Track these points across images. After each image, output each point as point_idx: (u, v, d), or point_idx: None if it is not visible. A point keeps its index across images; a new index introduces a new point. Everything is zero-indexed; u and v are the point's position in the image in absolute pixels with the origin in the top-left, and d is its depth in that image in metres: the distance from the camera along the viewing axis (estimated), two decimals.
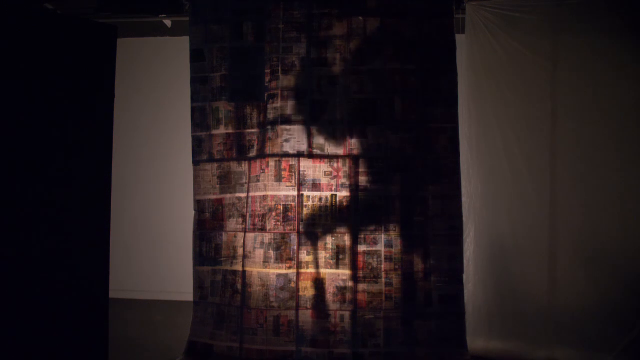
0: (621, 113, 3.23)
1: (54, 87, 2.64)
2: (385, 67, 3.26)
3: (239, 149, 3.36)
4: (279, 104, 3.29)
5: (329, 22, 3.29)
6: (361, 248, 3.21)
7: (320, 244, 3.22)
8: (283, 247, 3.23)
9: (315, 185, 3.25)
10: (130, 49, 4.19)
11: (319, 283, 3.20)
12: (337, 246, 3.21)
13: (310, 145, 3.27)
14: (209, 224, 3.39)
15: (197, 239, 3.41)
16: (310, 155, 3.26)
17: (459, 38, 3.33)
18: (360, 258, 3.20)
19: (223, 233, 3.36)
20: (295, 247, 3.23)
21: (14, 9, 2.51)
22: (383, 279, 3.18)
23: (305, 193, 3.25)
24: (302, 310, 3.19)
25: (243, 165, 3.35)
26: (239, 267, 3.29)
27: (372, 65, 3.27)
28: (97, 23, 2.92)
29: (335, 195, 3.24)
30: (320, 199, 3.24)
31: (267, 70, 3.32)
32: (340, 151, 3.25)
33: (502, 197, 3.36)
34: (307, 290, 3.20)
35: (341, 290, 3.19)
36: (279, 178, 3.26)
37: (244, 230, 3.30)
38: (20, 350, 2.49)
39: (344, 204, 3.23)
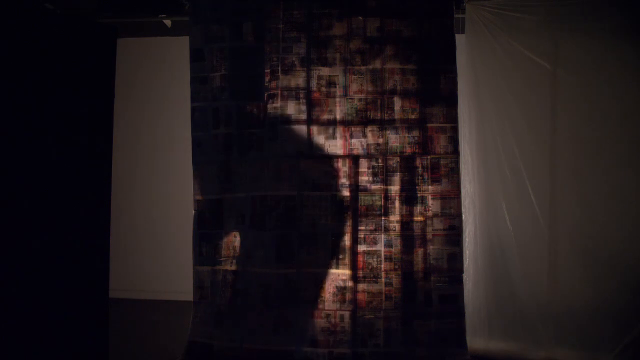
0: (621, 113, 3.23)
1: (53, 86, 2.64)
2: (385, 67, 3.26)
3: (239, 149, 3.36)
4: (279, 104, 3.29)
5: (329, 22, 3.29)
6: (361, 248, 3.21)
7: (320, 244, 3.22)
8: (283, 247, 3.23)
9: (315, 186, 3.25)
10: (130, 49, 4.18)
11: (319, 283, 3.20)
12: (337, 246, 3.21)
13: (310, 145, 3.27)
14: (209, 224, 3.39)
15: (197, 239, 3.41)
16: (310, 156, 3.26)
17: (459, 38, 3.33)
18: (360, 258, 3.20)
19: (223, 233, 3.36)
20: (295, 247, 3.22)
21: (14, 9, 2.51)
22: (383, 279, 3.18)
23: (305, 193, 3.25)
24: (302, 310, 3.19)
25: (243, 165, 3.35)
26: (239, 267, 3.29)
27: (372, 65, 3.27)
28: (97, 23, 2.93)
29: (335, 195, 3.24)
30: (320, 199, 3.24)
31: (267, 70, 3.32)
32: (340, 151, 3.25)
33: (502, 197, 3.36)
34: (307, 290, 3.20)
35: (341, 290, 3.19)
36: (279, 178, 3.26)
37: (244, 230, 3.30)
38: (21, 350, 2.49)
39: (344, 204, 3.23)
